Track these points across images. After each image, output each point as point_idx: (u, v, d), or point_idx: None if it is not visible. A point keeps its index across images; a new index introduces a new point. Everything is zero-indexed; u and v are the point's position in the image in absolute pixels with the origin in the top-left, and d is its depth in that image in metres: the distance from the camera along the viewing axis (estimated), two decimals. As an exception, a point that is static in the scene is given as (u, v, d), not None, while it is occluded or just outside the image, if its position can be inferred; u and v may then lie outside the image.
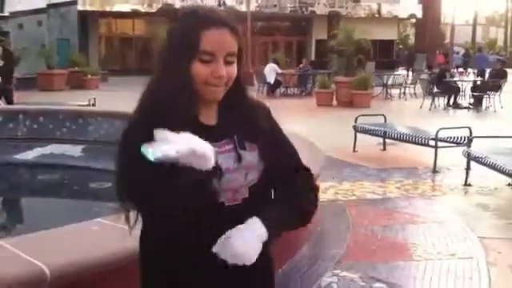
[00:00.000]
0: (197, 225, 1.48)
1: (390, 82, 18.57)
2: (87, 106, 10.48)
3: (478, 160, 6.61)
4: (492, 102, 15.28)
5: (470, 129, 7.55)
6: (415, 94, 18.29)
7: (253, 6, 27.56)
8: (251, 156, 1.54)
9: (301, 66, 21.23)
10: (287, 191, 1.60)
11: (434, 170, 7.44)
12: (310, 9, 35.03)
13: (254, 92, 19.73)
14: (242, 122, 1.56)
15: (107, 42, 31.48)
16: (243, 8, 30.29)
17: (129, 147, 1.46)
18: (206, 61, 1.47)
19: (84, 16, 27.90)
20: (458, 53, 38.64)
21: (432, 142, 7.51)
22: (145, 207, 1.49)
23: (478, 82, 17.36)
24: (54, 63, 21.20)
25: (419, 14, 36.43)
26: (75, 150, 7.01)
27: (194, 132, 1.44)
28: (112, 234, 2.59)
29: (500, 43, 56.60)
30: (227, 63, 1.49)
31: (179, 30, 1.51)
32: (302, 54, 35.65)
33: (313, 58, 33.76)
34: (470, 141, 7.08)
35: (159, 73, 1.54)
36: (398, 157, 8.48)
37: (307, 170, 1.67)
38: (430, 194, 6.52)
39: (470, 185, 6.79)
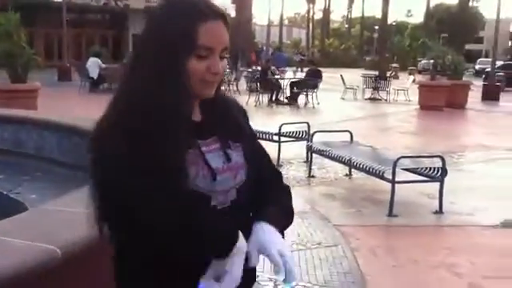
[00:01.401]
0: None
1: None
2: None
3: (321, 153, 7.07)
4: (310, 98, 16.42)
5: (308, 124, 8.03)
6: (238, 90, 18.92)
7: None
8: (238, 155, 1.48)
9: (125, 60, 20.64)
10: (279, 195, 1.57)
11: (278, 164, 7.77)
12: (124, 2, 34.23)
13: (76, 88, 18.81)
14: (223, 119, 1.49)
15: None
16: (55, -2, 28.61)
17: (118, 158, 1.30)
18: (202, 56, 1.36)
19: None
20: (267, 52, 40.87)
21: (276, 137, 7.84)
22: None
23: (295, 80, 18.51)
24: None
25: (232, 14, 37.69)
26: None
27: (190, 131, 1.36)
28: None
29: (304, 43, 60.99)
30: (221, 58, 1.40)
31: (170, 22, 1.35)
32: (118, 48, 34.75)
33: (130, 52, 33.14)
34: (311, 135, 7.53)
35: (147, 70, 1.36)
36: (241, 152, 8.70)
37: (279, 172, 1.66)
38: (280, 186, 6.80)
39: (313, 176, 7.24)
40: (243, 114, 1.59)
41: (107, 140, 1.32)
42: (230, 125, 1.49)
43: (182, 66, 1.34)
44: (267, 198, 1.54)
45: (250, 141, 1.54)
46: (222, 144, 1.45)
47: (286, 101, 16.90)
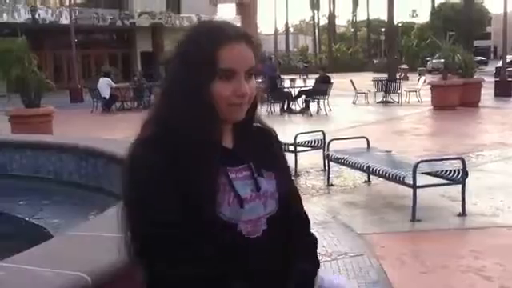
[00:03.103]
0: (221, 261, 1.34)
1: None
2: None
3: (338, 160, 7.02)
4: (322, 105, 16.38)
5: (323, 132, 7.99)
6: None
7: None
8: (269, 184, 1.45)
9: (135, 78, 20.75)
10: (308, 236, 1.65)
11: (296, 174, 7.74)
12: (130, 20, 34.53)
13: (89, 109, 18.91)
14: (258, 146, 1.47)
15: None
16: (63, 21, 28.91)
17: (149, 181, 1.31)
18: (226, 79, 1.35)
19: None
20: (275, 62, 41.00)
21: (292, 147, 7.81)
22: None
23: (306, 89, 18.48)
24: None
25: (238, 24, 37.94)
26: None
27: (221, 157, 1.35)
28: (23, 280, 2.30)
29: (311, 50, 61.04)
30: (247, 79, 1.39)
31: (193, 47, 1.37)
32: (127, 66, 34.98)
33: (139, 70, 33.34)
34: (327, 143, 7.49)
35: (175, 95, 1.38)
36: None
37: (308, 219, 1.68)
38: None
39: (332, 185, 7.19)
40: (277, 139, 1.58)
41: (143, 163, 1.33)
42: (264, 152, 1.47)
43: (204, 89, 1.34)
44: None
45: (284, 173, 1.53)
46: (252, 172, 1.43)
47: (298, 109, 16.87)
